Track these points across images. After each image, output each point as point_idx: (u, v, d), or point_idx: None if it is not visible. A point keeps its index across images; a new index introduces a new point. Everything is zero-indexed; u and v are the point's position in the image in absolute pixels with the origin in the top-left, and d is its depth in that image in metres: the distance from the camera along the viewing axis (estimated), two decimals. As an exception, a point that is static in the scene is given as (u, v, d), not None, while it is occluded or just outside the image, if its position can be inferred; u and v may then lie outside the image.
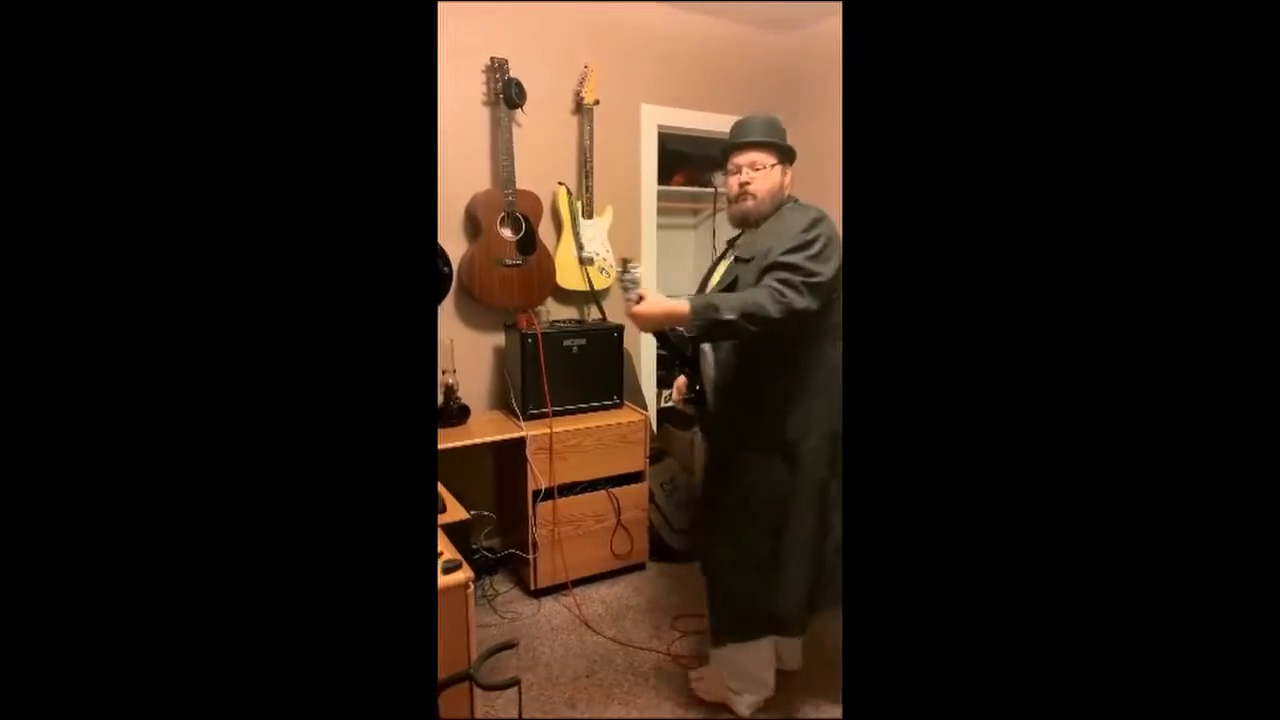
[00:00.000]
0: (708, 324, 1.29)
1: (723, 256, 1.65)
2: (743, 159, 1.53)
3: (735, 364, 1.49)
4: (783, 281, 1.31)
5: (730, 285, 1.45)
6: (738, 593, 1.54)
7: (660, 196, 2.83)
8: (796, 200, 1.57)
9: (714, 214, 3.34)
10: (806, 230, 1.38)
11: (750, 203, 1.51)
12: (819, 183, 2.99)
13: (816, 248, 1.36)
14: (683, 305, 1.33)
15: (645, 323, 1.39)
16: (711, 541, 1.59)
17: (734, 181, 1.54)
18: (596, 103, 2.46)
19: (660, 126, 2.72)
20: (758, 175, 1.51)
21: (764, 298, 1.29)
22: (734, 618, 1.56)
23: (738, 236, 1.63)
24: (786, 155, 1.57)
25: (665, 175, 2.92)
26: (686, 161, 3.22)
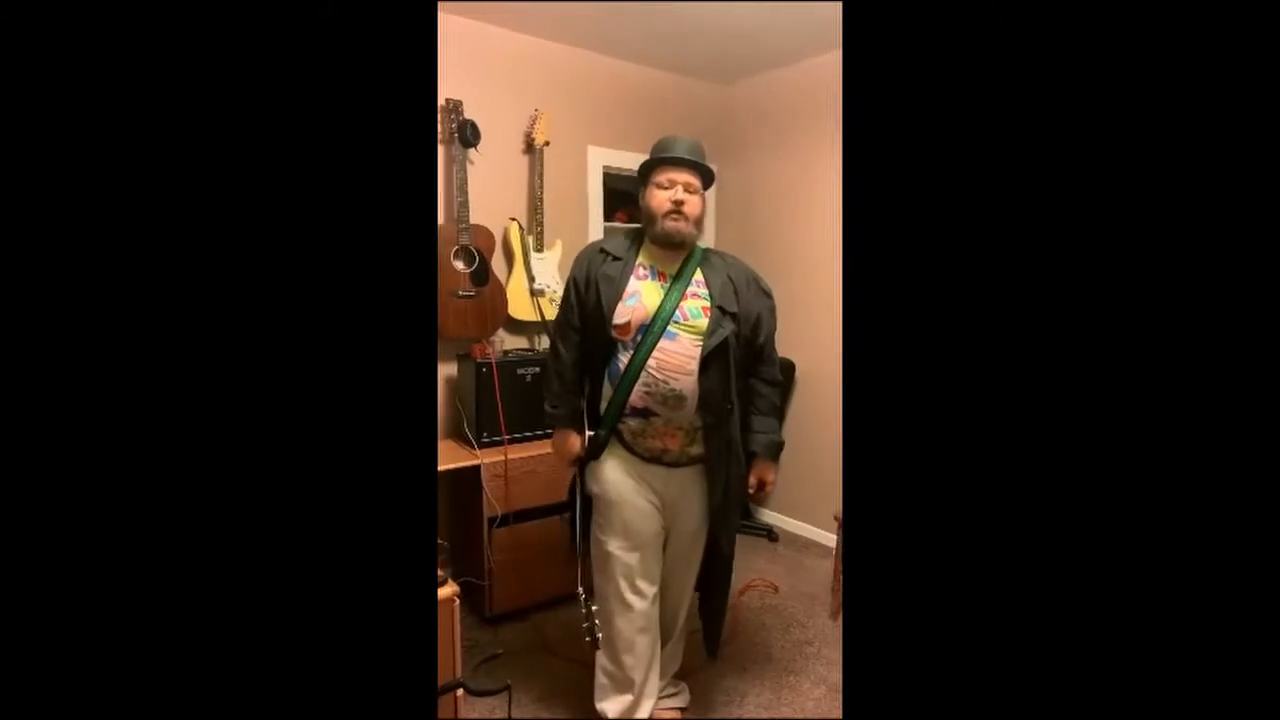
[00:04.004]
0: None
1: (643, 277, 1.53)
2: (679, 177, 1.49)
3: (718, 391, 1.51)
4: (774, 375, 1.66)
5: (722, 341, 1.45)
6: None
7: (606, 232, 2.97)
8: None
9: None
10: (773, 304, 1.63)
11: (683, 224, 1.48)
12: (747, 223, 3.24)
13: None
14: (772, 463, 1.65)
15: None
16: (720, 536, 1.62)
17: (665, 198, 1.48)
18: (547, 144, 2.59)
19: (605, 167, 2.88)
20: (692, 197, 1.49)
21: (776, 396, 1.66)
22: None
23: (660, 256, 1.57)
24: (710, 181, 1.56)
25: (609, 213, 3.07)
26: (628, 200, 3.39)
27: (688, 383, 1.45)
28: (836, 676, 2.02)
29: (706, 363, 1.45)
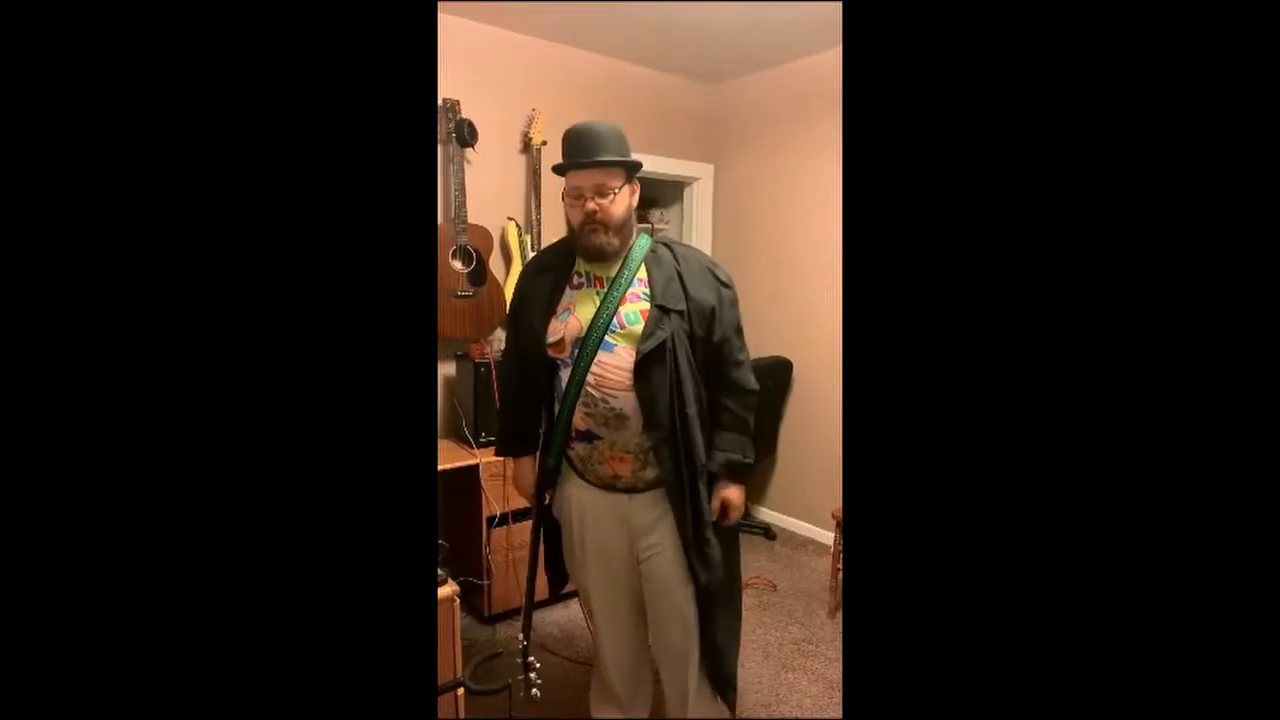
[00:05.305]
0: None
1: (578, 286, 1.38)
2: (587, 181, 1.28)
3: (662, 401, 1.34)
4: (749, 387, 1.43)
5: (660, 345, 1.28)
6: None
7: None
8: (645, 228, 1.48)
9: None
10: (733, 294, 1.40)
11: (602, 235, 1.30)
12: (742, 222, 3.24)
13: (741, 319, 1.42)
14: (736, 486, 1.41)
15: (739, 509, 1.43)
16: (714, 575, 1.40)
17: (576, 210, 1.31)
18: (544, 143, 2.60)
19: (602, 166, 2.88)
20: (606, 202, 1.29)
21: (743, 407, 1.41)
22: None
23: (586, 260, 1.39)
24: (634, 171, 1.34)
25: (605, 212, 3.08)
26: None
27: (628, 399, 1.29)
28: (834, 674, 2.03)
29: (645, 370, 1.27)
